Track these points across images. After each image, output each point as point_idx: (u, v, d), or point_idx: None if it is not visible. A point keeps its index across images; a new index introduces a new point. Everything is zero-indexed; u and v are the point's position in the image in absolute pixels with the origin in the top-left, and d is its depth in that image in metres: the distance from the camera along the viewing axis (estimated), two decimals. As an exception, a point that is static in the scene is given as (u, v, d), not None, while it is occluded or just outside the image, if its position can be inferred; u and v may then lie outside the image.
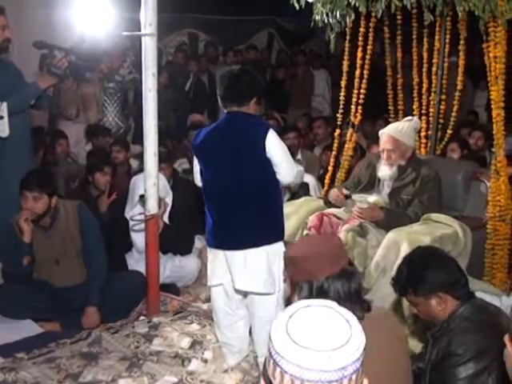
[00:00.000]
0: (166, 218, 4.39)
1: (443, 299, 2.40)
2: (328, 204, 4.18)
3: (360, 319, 1.83)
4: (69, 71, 4.12)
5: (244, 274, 3.21)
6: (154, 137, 3.75)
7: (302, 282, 2.04)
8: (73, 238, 3.90)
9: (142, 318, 3.94)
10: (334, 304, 1.30)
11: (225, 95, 3.23)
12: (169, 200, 4.45)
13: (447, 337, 2.29)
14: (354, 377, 1.20)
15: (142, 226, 3.97)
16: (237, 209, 3.20)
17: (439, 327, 2.39)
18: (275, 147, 3.15)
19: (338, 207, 4.09)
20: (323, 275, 2.00)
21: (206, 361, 3.44)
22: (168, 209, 4.43)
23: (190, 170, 4.47)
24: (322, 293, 1.97)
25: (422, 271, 2.41)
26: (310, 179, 5.21)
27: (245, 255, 3.20)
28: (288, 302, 2.24)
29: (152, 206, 3.83)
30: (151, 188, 3.81)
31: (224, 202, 3.23)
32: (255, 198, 3.18)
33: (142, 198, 3.96)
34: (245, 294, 3.35)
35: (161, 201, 4.02)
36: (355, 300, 2.00)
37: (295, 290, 2.07)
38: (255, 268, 3.20)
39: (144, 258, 3.98)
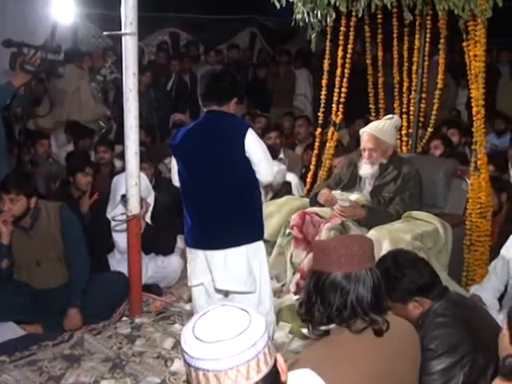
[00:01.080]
0: (147, 218, 4.37)
1: (420, 302, 2.44)
2: (316, 205, 4.18)
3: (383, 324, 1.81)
4: (41, 68, 4.08)
5: (224, 274, 3.22)
6: (135, 136, 3.73)
7: (316, 269, 1.96)
8: (54, 240, 3.86)
9: (124, 318, 3.92)
10: (228, 301, 1.41)
11: (205, 94, 3.23)
12: (151, 200, 4.43)
13: (421, 332, 2.31)
14: (266, 350, 1.33)
15: (124, 226, 3.95)
16: (216, 209, 3.20)
17: (414, 324, 2.40)
18: (254, 146, 3.15)
19: (324, 206, 4.11)
20: (345, 270, 1.91)
21: (188, 361, 3.42)
22: (150, 209, 4.41)
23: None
24: (333, 287, 1.91)
25: (397, 280, 2.43)
26: (292, 178, 5.22)
27: (225, 255, 3.20)
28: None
29: (134, 206, 3.81)
30: (133, 188, 3.79)
31: (203, 202, 3.23)
32: (234, 197, 3.19)
33: (124, 198, 3.94)
34: (226, 293, 3.35)
35: (142, 201, 4.01)
36: (375, 305, 1.94)
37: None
38: (235, 267, 3.20)
39: (126, 258, 3.96)
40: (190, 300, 4.05)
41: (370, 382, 1.83)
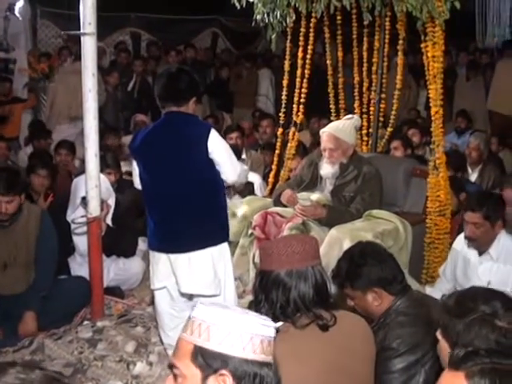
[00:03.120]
0: (108, 220, 4.33)
1: (379, 294, 2.46)
2: (278, 205, 4.20)
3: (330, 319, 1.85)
4: None
5: (189, 277, 3.19)
6: (94, 137, 3.71)
7: (261, 269, 2.02)
8: (27, 243, 3.78)
9: (85, 322, 3.88)
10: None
11: (163, 95, 3.19)
12: (111, 202, 4.39)
13: (383, 331, 2.35)
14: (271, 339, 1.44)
15: (85, 228, 3.92)
16: (179, 211, 3.17)
17: (376, 322, 2.44)
18: (218, 147, 3.14)
19: (286, 207, 4.13)
20: (287, 268, 1.97)
21: (151, 364, 3.41)
22: (111, 211, 4.37)
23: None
24: (275, 284, 1.96)
25: (359, 266, 2.47)
26: (255, 178, 5.23)
27: (189, 258, 3.17)
28: None
29: (94, 208, 3.78)
30: (93, 190, 3.76)
31: (166, 204, 3.20)
32: (198, 199, 3.16)
33: (84, 200, 3.90)
34: (190, 296, 3.33)
35: (103, 203, 3.97)
36: (319, 301, 1.99)
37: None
38: (200, 270, 3.18)
39: (87, 261, 3.93)
40: (152, 303, 4.03)
41: (318, 377, 1.86)
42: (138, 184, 3.35)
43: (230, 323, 1.37)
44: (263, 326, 1.40)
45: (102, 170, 4.34)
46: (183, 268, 3.19)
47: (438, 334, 1.79)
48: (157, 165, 3.18)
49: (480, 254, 3.45)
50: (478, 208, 3.33)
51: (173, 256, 3.21)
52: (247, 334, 1.37)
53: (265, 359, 1.39)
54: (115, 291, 4.32)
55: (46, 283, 3.82)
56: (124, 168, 5.24)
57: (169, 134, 3.16)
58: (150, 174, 3.23)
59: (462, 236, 3.57)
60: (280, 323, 1.90)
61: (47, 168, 4.80)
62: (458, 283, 3.54)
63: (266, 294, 1.97)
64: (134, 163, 3.33)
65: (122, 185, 5.04)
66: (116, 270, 4.40)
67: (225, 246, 3.29)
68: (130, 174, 5.51)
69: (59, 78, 7.17)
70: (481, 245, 3.42)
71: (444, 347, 1.78)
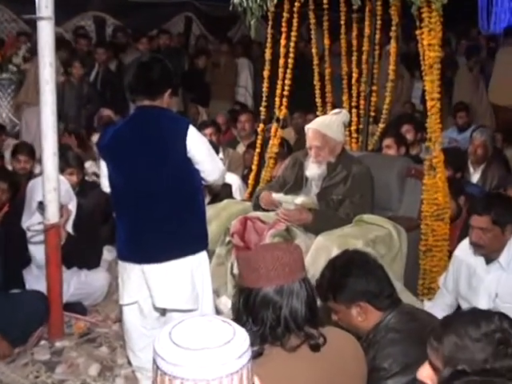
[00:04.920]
0: (69, 228, 4.29)
1: (364, 309, 2.47)
2: (259, 209, 4.21)
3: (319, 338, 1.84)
4: None
5: (165, 290, 3.18)
6: (52, 135, 3.70)
7: (247, 286, 1.98)
8: None
9: (42, 342, 3.86)
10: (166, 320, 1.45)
11: (133, 87, 3.17)
12: (72, 206, 4.36)
13: (373, 350, 2.36)
14: (249, 367, 1.38)
15: (42, 237, 3.89)
16: (154, 216, 3.16)
17: (364, 339, 2.45)
18: (198, 145, 3.14)
19: (268, 211, 4.14)
20: (276, 283, 1.95)
21: (117, 388, 3.40)
22: (72, 217, 4.34)
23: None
24: (264, 303, 1.94)
25: (343, 278, 2.48)
26: (233, 180, 5.24)
27: (165, 268, 3.16)
28: None
29: (52, 214, 3.77)
30: (51, 193, 3.75)
31: (139, 209, 3.18)
32: (175, 201, 3.15)
33: (41, 205, 3.88)
34: (163, 312, 3.32)
35: (62, 208, 3.95)
36: (310, 318, 1.98)
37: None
38: (178, 282, 3.17)
39: (45, 273, 3.91)
40: (118, 320, 4.02)
41: None
42: (106, 187, 3.33)
43: (206, 374, 1.33)
44: (241, 358, 1.38)
45: (62, 171, 4.33)
46: (158, 280, 3.17)
47: (436, 359, 1.79)
48: (129, 165, 3.17)
49: (487, 262, 3.40)
50: (486, 211, 3.25)
51: (146, 267, 3.19)
52: (227, 377, 1.35)
53: None
54: (76, 307, 4.30)
55: None
56: (91, 169, 5.22)
57: (142, 131, 3.15)
58: (122, 175, 3.21)
59: (465, 242, 3.53)
60: (266, 345, 1.92)
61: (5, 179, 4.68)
62: (460, 295, 3.53)
63: (254, 314, 1.94)
64: (103, 163, 3.31)
65: (84, 187, 5.02)
66: (77, 284, 4.38)
67: (204, 254, 3.29)
68: (98, 175, 5.51)
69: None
70: (489, 252, 3.36)
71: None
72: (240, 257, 2.13)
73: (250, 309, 1.95)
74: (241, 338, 1.40)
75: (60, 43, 6.98)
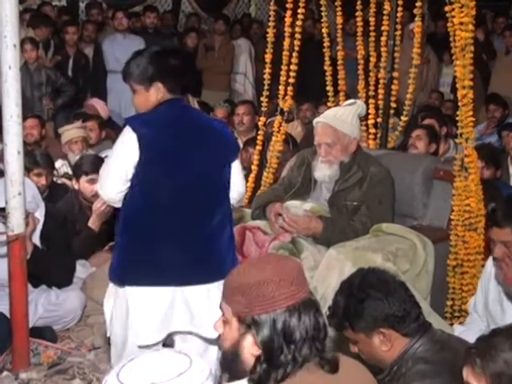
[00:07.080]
0: (36, 239, 4.30)
1: (388, 337, 2.48)
2: (260, 217, 4.23)
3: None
4: None
5: (209, 317, 3.01)
6: (17, 130, 3.69)
7: (258, 317, 1.96)
8: None
9: (4, 373, 3.86)
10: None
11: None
12: (40, 214, 4.36)
13: None
14: None
15: (4, 249, 3.89)
16: (212, 228, 3.23)
17: (388, 372, 2.45)
18: (237, 161, 3.37)
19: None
20: (286, 304, 1.96)
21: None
22: (39, 226, 4.34)
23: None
24: (288, 329, 1.95)
25: (360, 302, 2.48)
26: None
27: (208, 290, 3.20)
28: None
29: (17, 224, 3.77)
30: (15, 199, 3.74)
31: (190, 221, 3.21)
32: (226, 213, 3.29)
33: (3, 212, 3.88)
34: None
35: (29, 216, 3.95)
36: (323, 337, 2.01)
37: (239, 330, 2.01)
38: (216, 306, 3.15)
39: (8, 293, 3.90)
40: (94, 347, 4.02)
41: None
42: (115, 193, 3.20)
43: None
44: None
45: (28, 172, 4.34)
46: (202, 304, 3.20)
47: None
48: (180, 167, 3.19)
49: None
50: (507, 223, 3.14)
51: (188, 290, 3.20)
52: None
53: None
54: (45, 333, 4.30)
55: None
56: (62, 169, 5.24)
57: (201, 132, 3.25)
58: (170, 179, 3.18)
59: None
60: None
61: None
62: (491, 319, 3.52)
63: (288, 336, 1.95)
64: (125, 158, 3.16)
65: (54, 191, 5.02)
66: (46, 305, 4.37)
67: None
68: (70, 177, 5.52)
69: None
70: None
71: None
72: (240, 284, 2.08)
73: (281, 333, 1.96)
74: (197, 368, 1.50)
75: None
